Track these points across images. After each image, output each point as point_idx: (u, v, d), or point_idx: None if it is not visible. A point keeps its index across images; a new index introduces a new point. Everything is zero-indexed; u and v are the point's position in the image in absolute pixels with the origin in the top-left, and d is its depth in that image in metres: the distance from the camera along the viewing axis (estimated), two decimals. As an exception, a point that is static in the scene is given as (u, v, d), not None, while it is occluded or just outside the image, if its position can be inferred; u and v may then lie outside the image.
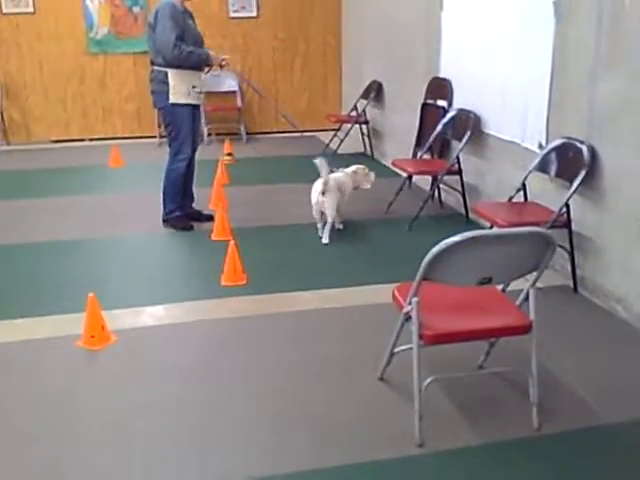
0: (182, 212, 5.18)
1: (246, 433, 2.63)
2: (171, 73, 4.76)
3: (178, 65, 4.74)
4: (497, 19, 4.76)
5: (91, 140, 8.74)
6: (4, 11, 8.19)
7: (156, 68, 4.83)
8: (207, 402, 2.84)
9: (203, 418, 2.72)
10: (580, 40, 3.79)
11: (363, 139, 7.83)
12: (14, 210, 5.76)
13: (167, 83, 4.79)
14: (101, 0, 8.35)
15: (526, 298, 2.61)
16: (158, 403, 2.83)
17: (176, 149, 4.99)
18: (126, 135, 8.73)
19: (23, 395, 2.91)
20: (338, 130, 7.91)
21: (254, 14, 8.73)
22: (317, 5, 8.86)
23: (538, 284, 2.60)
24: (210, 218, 5.20)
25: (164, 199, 5.15)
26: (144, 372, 3.09)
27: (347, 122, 7.78)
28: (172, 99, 4.82)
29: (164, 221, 5.19)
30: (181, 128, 4.92)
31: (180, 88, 4.81)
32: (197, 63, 4.86)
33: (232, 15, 8.68)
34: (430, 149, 5.57)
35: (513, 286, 2.80)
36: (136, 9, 8.42)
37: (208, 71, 5.19)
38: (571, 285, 3.92)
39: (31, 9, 8.23)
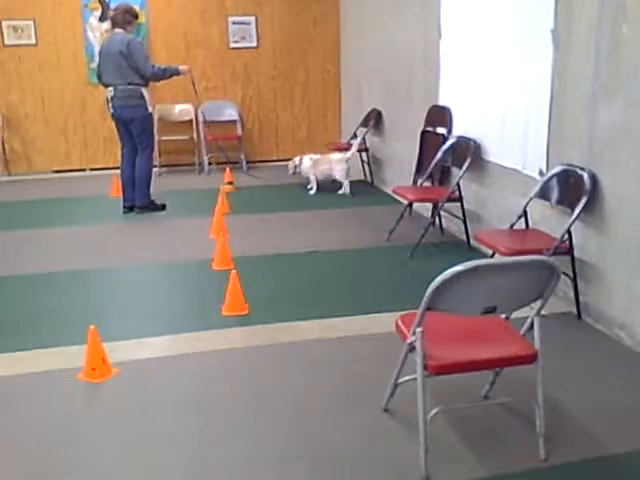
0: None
1: (247, 466, 2.59)
2: (144, 90, 6.27)
3: (156, 80, 6.48)
4: (496, 47, 4.80)
5: (92, 170, 8.78)
6: (6, 43, 8.28)
7: (132, 87, 6.21)
8: (208, 435, 2.80)
9: (204, 452, 2.68)
10: (579, 67, 3.82)
11: (363, 167, 7.87)
12: (14, 241, 5.76)
13: (143, 97, 6.27)
14: (102, 31, 8.45)
15: (531, 327, 2.60)
16: (159, 436, 2.80)
17: (150, 148, 6.54)
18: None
19: (23, 429, 2.88)
20: (338, 158, 7.93)
21: (254, 44, 8.81)
22: (316, 35, 8.96)
23: (542, 312, 2.59)
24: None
25: (142, 188, 6.48)
26: (145, 405, 3.06)
27: (347, 150, 7.80)
28: (150, 109, 6.37)
29: (142, 208, 6.50)
30: (152, 130, 6.64)
31: (149, 100, 6.35)
32: (166, 73, 6.48)
33: (232, 46, 8.76)
34: (430, 176, 5.59)
35: (516, 314, 2.78)
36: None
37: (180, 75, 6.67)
38: (575, 312, 3.90)
39: (33, 41, 8.33)
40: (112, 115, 6.42)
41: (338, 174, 7.16)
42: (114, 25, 6.30)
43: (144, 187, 6.51)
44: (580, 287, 3.86)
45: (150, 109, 6.36)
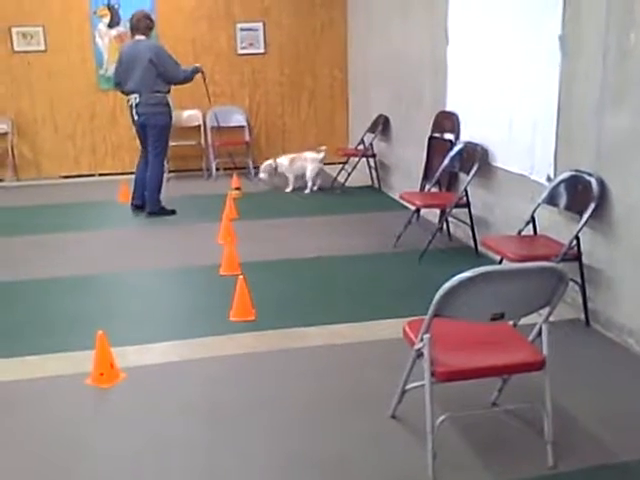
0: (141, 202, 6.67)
1: (255, 473, 2.59)
2: (169, 97, 6.42)
3: (185, 82, 6.56)
4: (503, 52, 4.80)
5: (100, 175, 8.82)
6: (16, 49, 8.34)
7: (159, 95, 6.31)
8: (216, 441, 2.80)
9: (212, 457, 2.68)
10: (586, 74, 3.81)
11: (371, 172, 7.87)
12: (24, 246, 5.78)
13: (169, 105, 6.41)
14: (111, 38, 8.50)
15: (539, 334, 2.59)
16: (167, 442, 2.80)
17: (163, 155, 6.60)
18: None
19: (31, 433, 2.89)
20: (345, 163, 7.94)
21: (262, 50, 8.85)
22: (323, 41, 8.98)
23: (550, 318, 2.58)
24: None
25: (154, 195, 6.51)
26: (153, 410, 3.06)
27: (355, 155, 7.81)
28: (172, 117, 6.52)
29: (152, 213, 6.52)
30: (168, 137, 6.64)
31: (173, 108, 6.56)
32: (193, 74, 6.65)
33: (240, 52, 8.80)
34: (438, 182, 5.58)
35: (524, 320, 2.77)
36: (145, 46, 8.52)
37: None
38: (583, 318, 3.88)
39: (42, 47, 8.38)
40: (134, 122, 6.45)
41: (308, 172, 7.53)
42: (135, 32, 6.35)
43: (156, 194, 6.55)
44: (588, 293, 3.84)
45: (172, 116, 6.50)
